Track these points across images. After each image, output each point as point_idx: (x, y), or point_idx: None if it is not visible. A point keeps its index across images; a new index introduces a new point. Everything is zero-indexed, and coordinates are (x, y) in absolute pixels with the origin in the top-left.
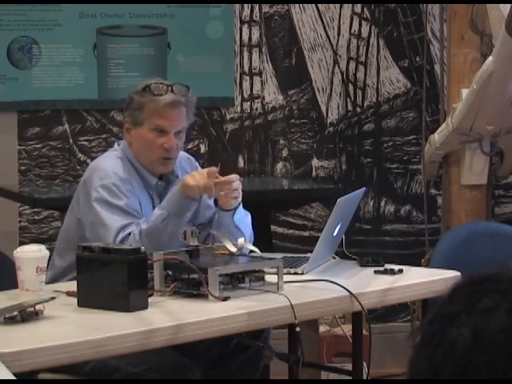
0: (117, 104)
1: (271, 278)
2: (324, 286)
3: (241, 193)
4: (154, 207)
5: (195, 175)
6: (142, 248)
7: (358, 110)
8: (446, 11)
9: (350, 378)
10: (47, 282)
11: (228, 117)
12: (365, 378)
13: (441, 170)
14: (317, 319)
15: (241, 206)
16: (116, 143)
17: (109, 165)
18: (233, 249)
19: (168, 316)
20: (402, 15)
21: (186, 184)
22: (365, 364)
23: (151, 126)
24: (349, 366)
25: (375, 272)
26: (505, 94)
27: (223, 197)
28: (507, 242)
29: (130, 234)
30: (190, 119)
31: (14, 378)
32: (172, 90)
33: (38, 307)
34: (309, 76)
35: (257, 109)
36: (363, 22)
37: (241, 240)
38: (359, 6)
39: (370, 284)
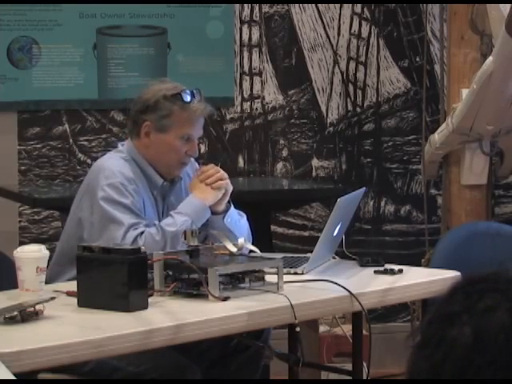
0: (117, 104)
1: (271, 278)
2: (324, 285)
3: (230, 189)
4: (157, 208)
5: (203, 192)
6: (143, 248)
7: (358, 109)
8: (446, 11)
9: (350, 377)
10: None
11: (228, 117)
12: (365, 377)
13: (441, 170)
14: (317, 319)
15: (232, 209)
16: (120, 144)
17: (113, 164)
18: (233, 249)
19: (168, 316)
20: (402, 15)
21: (206, 200)
22: (365, 364)
23: (180, 134)
24: (349, 366)
25: (375, 272)
26: (505, 93)
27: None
28: (507, 242)
29: (142, 232)
30: None
31: (14, 378)
32: (194, 96)
33: (38, 307)
34: (309, 76)
35: (257, 109)
36: (363, 22)
37: (241, 240)
38: (359, 5)
39: (370, 284)
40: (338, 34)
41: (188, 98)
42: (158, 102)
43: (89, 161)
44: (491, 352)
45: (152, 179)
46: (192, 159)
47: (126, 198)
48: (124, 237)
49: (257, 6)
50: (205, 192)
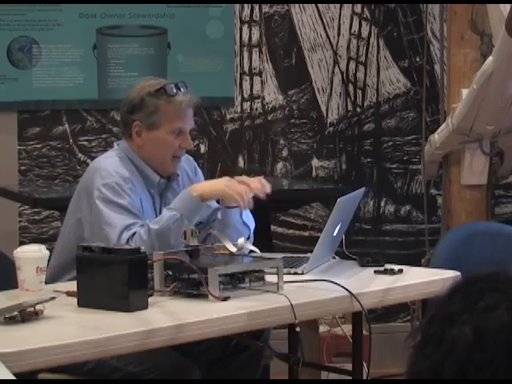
0: (117, 104)
1: (271, 278)
2: (324, 285)
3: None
4: (154, 206)
5: (205, 186)
6: (142, 248)
7: (358, 109)
8: (446, 11)
9: (350, 377)
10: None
11: (228, 117)
12: (365, 378)
13: (441, 170)
14: (317, 319)
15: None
16: (115, 143)
17: (110, 164)
18: (233, 249)
19: (168, 316)
20: (402, 15)
21: (204, 193)
22: (365, 364)
23: (170, 128)
24: (349, 366)
25: (375, 272)
26: (505, 93)
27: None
28: (507, 241)
29: (134, 233)
30: None
31: (14, 378)
32: (179, 89)
33: (38, 307)
34: (309, 76)
35: (257, 109)
36: (363, 22)
37: (241, 240)
38: (359, 5)
39: (370, 284)
40: (338, 34)
41: (172, 91)
42: (144, 99)
43: (89, 161)
44: (491, 351)
45: (148, 177)
46: (191, 158)
47: (122, 198)
48: (119, 239)
49: (257, 6)
50: (210, 190)
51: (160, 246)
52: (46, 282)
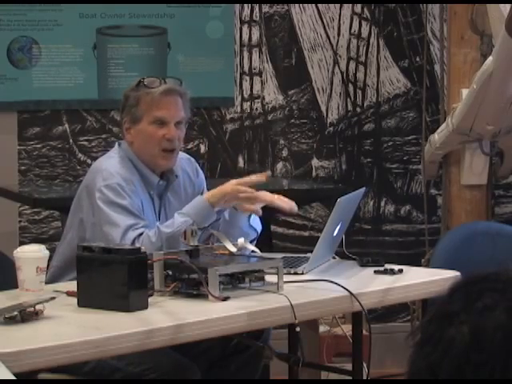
0: (117, 104)
1: (271, 278)
2: (324, 286)
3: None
4: (154, 208)
5: (217, 195)
6: (143, 248)
7: (358, 109)
8: (446, 11)
9: (350, 377)
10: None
11: (228, 117)
12: (365, 378)
13: (441, 170)
14: (317, 319)
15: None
16: (117, 143)
17: (111, 165)
18: (233, 249)
19: (168, 316)
20: (402, 15)
21: (215, 203)
22: (365, 364)
23: (150, 118)
24: (349, 366)
25: (375, 272)
26: (505, 93)
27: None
28: (507, 241)
29: (141, 234)
30: (188, 113)
31: (14, 378)
32: (165, 82)
33: (38, 307)
34: (309, 76)
35: (257, 109)
36: (363, 22)
37: (241, 240)
38: (359, 5)
39: (370, 284)
40: (338, 34)
41: (152, 83)
42: (128, 96)
43: (89, 161)
44: (488, 351)
45: (148, 178)
46: (192, 159)
47: (123, 199)
48: (123, 238)
49: (257, 6)
50: (220, 195)
51: (168, 249)
52: (47, 282)
